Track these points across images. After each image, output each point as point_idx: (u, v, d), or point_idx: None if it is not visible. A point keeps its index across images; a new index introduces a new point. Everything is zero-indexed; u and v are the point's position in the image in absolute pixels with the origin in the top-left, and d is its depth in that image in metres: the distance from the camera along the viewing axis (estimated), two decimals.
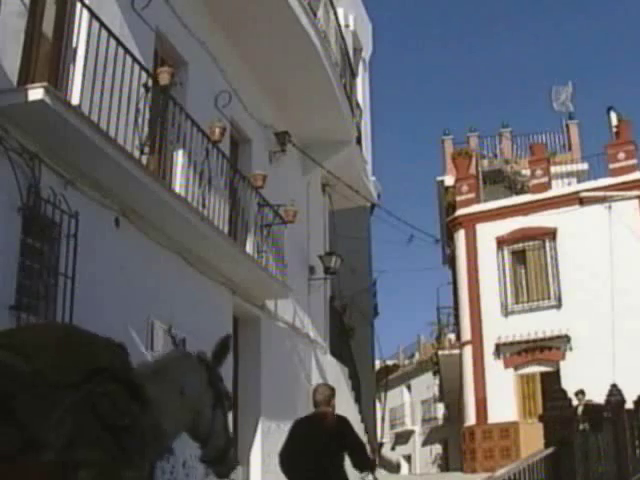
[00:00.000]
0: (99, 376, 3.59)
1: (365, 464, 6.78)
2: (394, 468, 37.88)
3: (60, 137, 7.48)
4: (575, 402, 12.91)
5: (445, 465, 34.93)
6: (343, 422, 6.89)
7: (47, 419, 3.16)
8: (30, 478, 3.05)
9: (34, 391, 3.20)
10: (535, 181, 23.89)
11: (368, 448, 8.38)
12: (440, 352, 28.83)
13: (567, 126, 28.67)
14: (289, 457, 6.99)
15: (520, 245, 23.34)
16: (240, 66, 13.04)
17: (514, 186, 26.07)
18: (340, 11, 17.44)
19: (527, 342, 22.11)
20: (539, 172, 23.89)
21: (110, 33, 8.23)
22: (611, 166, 22.93)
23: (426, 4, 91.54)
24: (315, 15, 13.59)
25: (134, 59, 8.74)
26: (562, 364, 21.59)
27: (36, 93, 6.92)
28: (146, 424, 3.80)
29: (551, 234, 22.79)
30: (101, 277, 8.47)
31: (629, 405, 11.96)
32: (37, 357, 3.35)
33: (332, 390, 7.15)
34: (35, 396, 3.20)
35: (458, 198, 24.79)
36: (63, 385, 3.32)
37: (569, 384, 14.84)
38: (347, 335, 20.06)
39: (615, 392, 11.49)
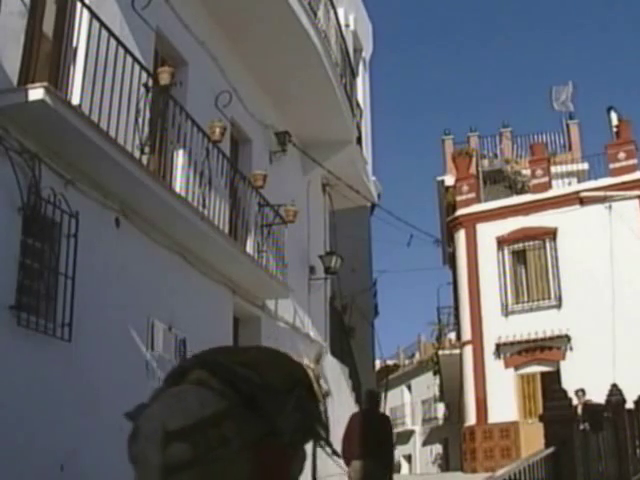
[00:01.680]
0: (298, 385, 4.41)
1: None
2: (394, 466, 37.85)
3: (60, 137, 7.48)
4: (575, 400, 12.91)
5: (445, 465, 34.95)
6: (387, 418, 9.52)
7: (280, 414, 3.74)
8: (272, 453, 3.74)
9: (268, 395, 3.86)
10: (535, 181, 23.88)
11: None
12: (440, 352, 28.82)
13: (567, 126, 28.65)
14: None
15: (520, 245, 23.33)
16: (240, 66, 13.04)
17: (514, 186, 26.04)
18: (340, 11, 17.44)
19: (527, 342, 22.09)
20: (539, 172, 23.87)
21: (110, 33, 8.24)
22: (611, 166, 22.92)
23: (426, 4, 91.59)
24: (315, 15, 13.59)
25: (134, 59, 8.74)
26: (562, 364, 21.57)
27: (36, 93, 6.92)
28: None
29: (551, 234, 22.78)
30: (101, 277, 8.47)
31: (629, 405, 11.96)
32: (264, 371, 4.02)
33: (379, 394, 9.93)
34: (269, 398, 3.87)
35: (458, 198, 24.78)
36: (280, 391, 4.05)
37: (569, 384, 14.82)
38: (347, 335, 20.07)
39: (615, 392, 11.49)
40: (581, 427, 9.95)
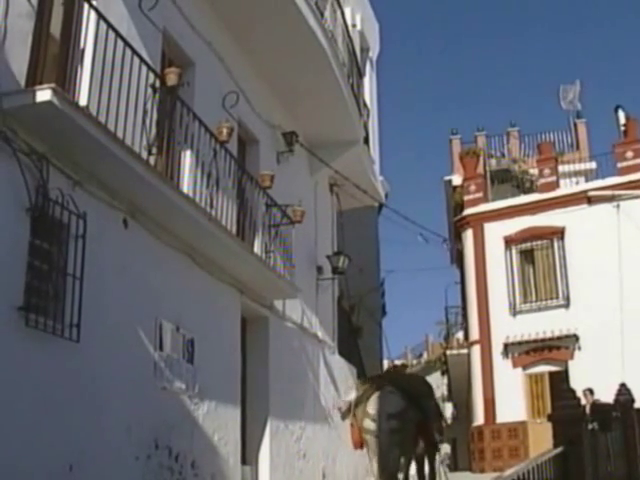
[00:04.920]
0: (432, 392, 9.61)
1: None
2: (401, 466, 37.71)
3: (68, 138, 7.49)
4: (583, 400, 12.87)
5: (453, 465, 34.87)
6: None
7: (428, 408, 9.21)
8: (428, 429, 9.30)
9: (422, 398, 9.10)
10: (543, 180, 23.84)
11: None
12: (448, 352, 28.77)
13: (575, 125, 28.59)
14: None
15: (528, 244, 23.29)
16: (247, 66, 13.05)
17: (522, 185, 26.02)
18: (347, 11, 17.44)
19: (535, 341, 22.07)
20: (547, 171, 23.84)
21: (117, 34, 8.25)
22: (619, 165, 22.86)
23: (433, 4, 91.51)
24: (322, 15, 13.59)
25: (141, 60, 8.75)
26: (571, 363, 21.54)
27: (44, 94, 6.93)
28: None
29: (559, 233, 22.74)
30: (109, 278, 8.48)
31: (638, 404, 11.92)
32: (417, 386, 9.42)
33: None
34: (423, 400, 9.12)
35: (466, 197, 24.75)
36: (426, 396, 9.41)
37: (578, 383, 14.77)
38: (355, 335, 20.06)
39: (624, 391, 11.45)
40: (590, 427, 9.91)
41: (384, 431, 8.50)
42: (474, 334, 23.61)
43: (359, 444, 9.04)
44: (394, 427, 8.60)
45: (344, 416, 9.23)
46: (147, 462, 8.88)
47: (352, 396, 9.13)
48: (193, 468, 9.90)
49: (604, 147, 33.25)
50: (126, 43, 8.41)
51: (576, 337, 21.58)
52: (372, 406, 8.69)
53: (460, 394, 29.14)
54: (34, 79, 7.58)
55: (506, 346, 22.47)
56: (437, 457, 10.23)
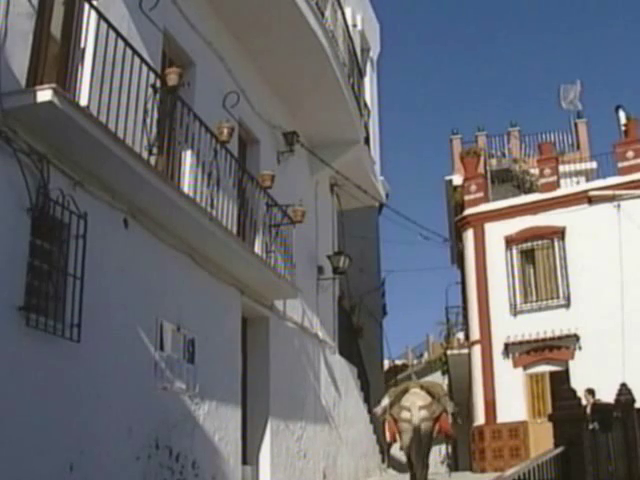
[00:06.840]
0: (447, 394, 11.90)
1: None
2: (402, 466, 37.72)
3: (68, 138, 7.49)
4: (584, 400, 12.87)
5: (454, 465, 34.88)
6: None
7: (448, 404, 11.44)
8: (444, 418, 11.40)
9: (440, 397, 11.44)
10: (544, 180, 23.80)
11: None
12: (449, 352, 28.73)
13: (576, 125, 28.57)
14: None
15: (529, 244, 23.25)
16: (248, 66, 13.05)
17: (523, 185, 25.98)
18: (348, 11, 17.46)
19: (536, 341, 22.03)
20: (548, 171, 23.80)
21: (118, 34, 8.25)
22: (620, 165, 22.82)
23: (433, 4, 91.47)
24: (323, 15, 13.60)
25: (142, 60, 8.75)
26: (571, 363, 21.50)
27: (44, 94, 6.94)
28: None
29: (560, 233, 22.71)
30: (110, 278, 8.49)
31: (639, 404, 11.92)
32: (436, 389, 11.42)
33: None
34: (441, 398, 11.55)
35: (466, 197, 24.72)
36: (443, 396, 11.71)
37: (578, 383, 14.78)
38: (356, 335, 20.07)
39: (625, 391, 11.45)
40: (590, 427, 9.93)
41: (416, 420, 10.92)
42: (475, 334, 23.58)
43: (393, 436, 11.25)
44: (424, 417, 10.97)
45: (381, 417, 11.44)
46: (147, 462, 8.88)
47: (386, 401, 11.39)
48: (194, 468, 9.91)
49: (605, 147, 33.33)
50: (127, 43, 8.41)
51: (577, 337, 21.54)
52: (406, 400, 11.16)
53: (461, 394, 29.08)
54: (35, 79, 7.58)
55: (507, 346, 22.44)
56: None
